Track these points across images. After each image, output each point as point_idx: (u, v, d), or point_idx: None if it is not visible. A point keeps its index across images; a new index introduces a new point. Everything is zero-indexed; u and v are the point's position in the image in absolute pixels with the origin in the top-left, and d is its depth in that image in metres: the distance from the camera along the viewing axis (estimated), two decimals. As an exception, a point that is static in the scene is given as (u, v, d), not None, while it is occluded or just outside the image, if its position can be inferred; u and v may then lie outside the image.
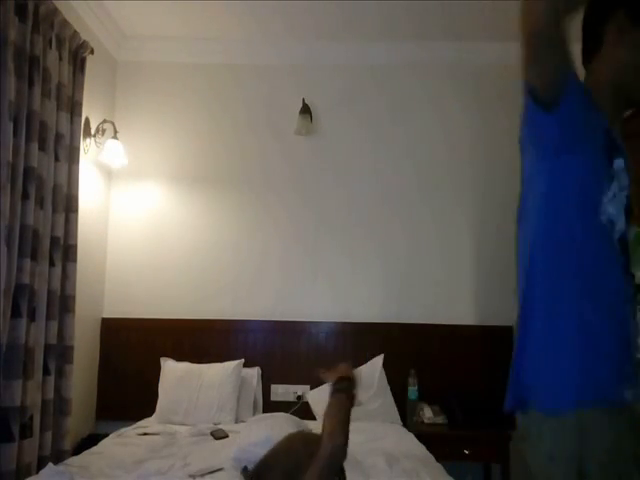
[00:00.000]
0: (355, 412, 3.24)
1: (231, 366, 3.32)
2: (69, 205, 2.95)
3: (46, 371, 2.70)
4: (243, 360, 3.39)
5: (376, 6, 3.27)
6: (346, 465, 1.45)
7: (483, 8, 3.27)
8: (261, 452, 2.31)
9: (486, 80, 3.73)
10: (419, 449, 2.62)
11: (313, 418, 3.21)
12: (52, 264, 2.75)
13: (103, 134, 3.40)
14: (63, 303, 2.86)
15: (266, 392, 3.46)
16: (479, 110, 3.71)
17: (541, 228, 1.16)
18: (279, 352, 3.53)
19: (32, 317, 2.54)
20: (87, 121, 3.29)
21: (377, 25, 3.51)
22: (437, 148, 3.71)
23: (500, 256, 3.55)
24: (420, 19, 3.42)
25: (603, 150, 1.13)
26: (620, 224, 1.14)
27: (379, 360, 3.39)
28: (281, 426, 2.59)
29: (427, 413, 3.16)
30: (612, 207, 1.13)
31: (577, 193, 1.13)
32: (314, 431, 1.57)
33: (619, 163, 1.14)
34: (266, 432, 2.45)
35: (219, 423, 3.05)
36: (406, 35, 3.63)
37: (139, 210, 3.70)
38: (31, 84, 2.55)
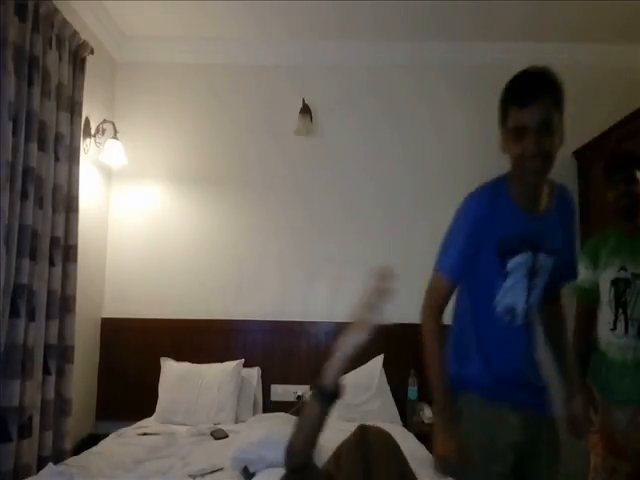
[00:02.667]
0: (354, 412, 3.25)
1: (231, 366, 3.32)
2: (69, 205, 2.94)
3: (46, 371, 2.70)
4: (243, 360, 3.39)
5: (374, 7, 3.27)
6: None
7: (480, 8, 3.27)
8: (261, 452, 2.33)
9: (484, 80, 3.73)
10: (419, 449, 2.62)
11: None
12: (52, 264, 2.75)
13: (103, 134, 3.40)
14: (63, 303, 2.86)
15: (266, 392, 3.46)
16: (479, 110, 3.71)
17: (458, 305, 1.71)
18: (279, 352, 3.53)
19: (31, 317, 2.54)
20: (87, 121, 3.29)
21: (376, 26, 3.51)
22: (435, 149, 3.72)
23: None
24: (418, 19, 3.43)
25: (494, 261, 1.54)
26: (520, 302, 1.56)
27: (379, 360, 3.39)
28: (281, 426, 2.58)
29: (427, 413, 3.16)
30: (510, 297, 1.56)
31: (475, 294, 1.63)
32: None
33: (513, 261, 1.53)
34: (266, 432, 2.45)
35: (219, 423, 3.05)
36: (404, 36, 3.63)
37: (139, 210, 3.70)
38: (31, 84, 2.54)
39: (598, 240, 2.35)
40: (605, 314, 2.25)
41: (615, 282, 2.22)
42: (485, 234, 1.55)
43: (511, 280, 1.55)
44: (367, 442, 1.52)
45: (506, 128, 1.50)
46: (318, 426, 1.27)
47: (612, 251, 2.26)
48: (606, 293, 2.25)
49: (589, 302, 2.33)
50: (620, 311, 2.20)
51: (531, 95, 1.42)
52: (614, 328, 2.20)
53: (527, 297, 1.57)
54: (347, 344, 1.34)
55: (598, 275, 2.28)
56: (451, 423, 1.54)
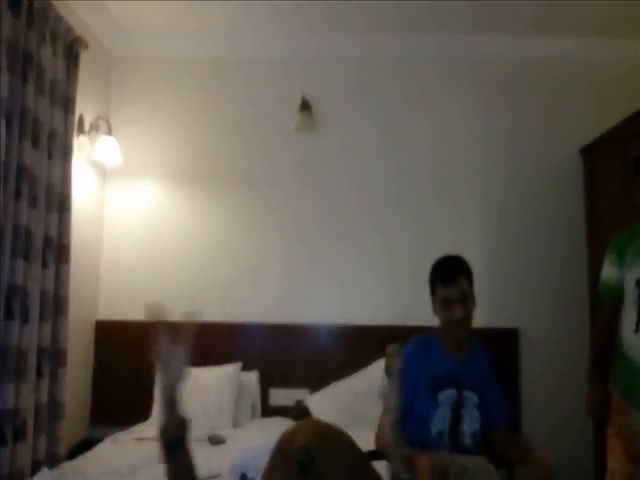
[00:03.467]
0: (355, 417, 3.20)
1: (229, 370, 3.27)
2: (62, 204, 2.88)
3: (39, 374, 2.64)
4: (241, 363, 3.34)
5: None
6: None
7: (480, 5, 3.25)
8: (260, 459, 2.26)
9: (491, 74, 3.72)
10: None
11: (312, 422, 3.15)
12: (45, 265, 2.69)
13: (97, 131, 3.34)
14: (56, 305, 2.81)
15: (265, 396, 3.41)
16: (490, 106, 3.68)
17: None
18: (278, 355, 3.46)
19: (25, 319, 2.49)
20: (81, 118, 3.23)
21: (387, 18, 3.45)
22: (448, 145, 3.65)
23: (507, 257, 3.52)
24: (418, 12, 3.37)
25: (429, 394, 1.92)
26: (444, 427, 1.92)
27: (380, 364, 3.33)
28: (280, 432, 2.53)
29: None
30: (440, 424, 1.91)
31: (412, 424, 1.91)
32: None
33: (442, 394, 1.92)
34: (265, 438, 2.39)
35: (217, 428, 2.99)
36: (418, 28, 3.57)
37: (134, 209, 3.64)
38: (25, 80, 2.49)
39: (625, 236, 2.25)
40: (628, 315, 2.15)
41: None
42: (422, 373, 1.95)
43: (441, 410, 1.92)
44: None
45: (436, 299, 1.99)
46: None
47: (639, 250, 2.17)
48: (630, 293, 2.14)
49: (613, 300, 2.25)
50: None
51: (452, 276, 1.93)
52: (637, 330, 2.12)
53: (453, 424, 1.93)
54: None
55: (623, 273, 2.20)
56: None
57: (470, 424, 1.94)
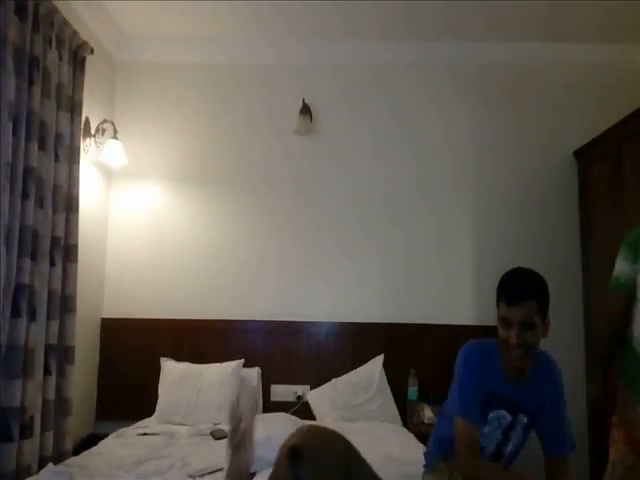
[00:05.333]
0: (354, 412, 3.26)
1: (231, 366, 3.31)
2: (69, 205, 2.94)
3: (47, 371, 2.69)
4: (243, 360, 3.38)
5: (376, 6, 3.27)
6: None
7: (483, 7, 3.27)
8: (261, 452, 2.32)
9: (487, 80, 3.75)
10: (419, 449, 2.61)
11: (313, 418, 3.20)
12: (52, 264, 2.74)
13: (103, 134, 3.40)
14: (63, 303, 2.86)
15: (266, 392, 3.46)
16: (480, 110, 3.72)
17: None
18: (279, 352, 3.52)
19: (32, 317, 2.53)
20: (87, 121, 3.29)
21: (378, 25, 3.51)
22: (437, 148, 3.72)
23: (500, 256, 3.56)
24: (421, 19, 3.42)
25: (481, 407, 1.77)
26: (490, 447, 1.82)
27: (379, 360, 3.39)
28: (281, 427, 2.58)
29: (427, 413, 3.15)
30: (483, 439, 1.78)
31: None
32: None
33: (493, 415, 1.78)
34: (266, 433, 2.44)
35: (219, 423, 3.04)
36: (406, 35, 3.63)
37: (139, 210, 3.70)
38: (31, 84, 2.54)
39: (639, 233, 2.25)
40: None
41: None
42: (482, 382, 1.79)
43: (488, 429, 1.80)
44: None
45: (498, 312, 1.74)
46: None
47: None
48: None
49: (624, 295, 2.17)
50: None
51: (517, 298, 1.66)
52: None
53: (498, 445, 1.83)
54: None
55: (636, 270, 2.18)
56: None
57: (514, 445, 1.85)
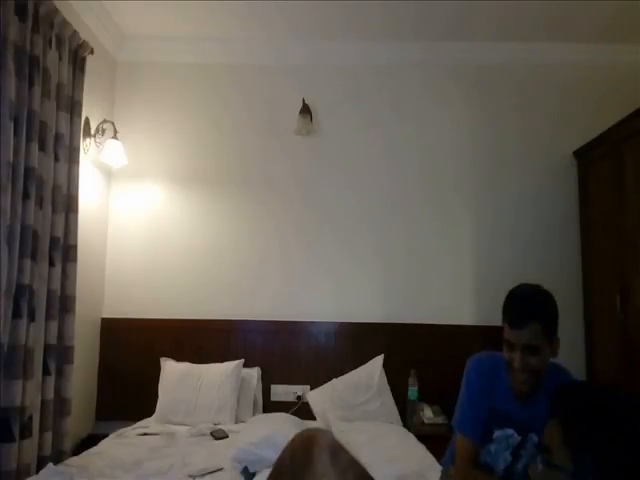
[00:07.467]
0: (354, 412, 3.26)
1: (231, 366, 3.32)
2: (69, 205, 2.94)
3: (46, 371, 2.69)
4: (243, 360, 3.39)
5: (378, 6, 3.27)
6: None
7: (485, 8, 3.27)
8: (261, 452, 2.33)
9: (488, 80, 3.75)
10: (419, 450, 2.62)
11: (313, 418, 3.20)
12: (52, 264, 2.74)
13: (103, 134, 3.40)
14: (63, 303, 2.85)
15: (266, 392, 3.46)
16: (481, 110, 3.72)
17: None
18: (279, 352, 3.52)
19: (32, 317, 2.53)
20: (87, 121, 3.29)
21: (378, 25, 3.51)
22: (439, 148, 3.72)
23: (500, 256, 3.56)
24: (422, 19, 3.42)
25: (485, 424, 1.72)
26: (499, 466, 1.71)
27: (379, 360, 3.39)
28: (281, 426, 2.58)
29: (427, 413, 3.16)
30: (489, 459, 1.72)
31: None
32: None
33: (499, 433, 1.71)
34: (266, 432, 2.45)
35: (219, 423, 3.05)
36: (408, 35, 3.63)
37: (139, 210, 3.70)
38: (31, 84, 2.53)
39: None
40: None
41: None
42: (482, 399, 1.73)
43: (494, 447, 1.72)
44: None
45: (504, 332, 1.64)
46: None
47: None
48: None
49: None
50: None
51: (520, 320, 1.57)
52: None
53: (508, 466, 1.72)
54: None
55: None
56: None
57: (525, 462, 1.72)
